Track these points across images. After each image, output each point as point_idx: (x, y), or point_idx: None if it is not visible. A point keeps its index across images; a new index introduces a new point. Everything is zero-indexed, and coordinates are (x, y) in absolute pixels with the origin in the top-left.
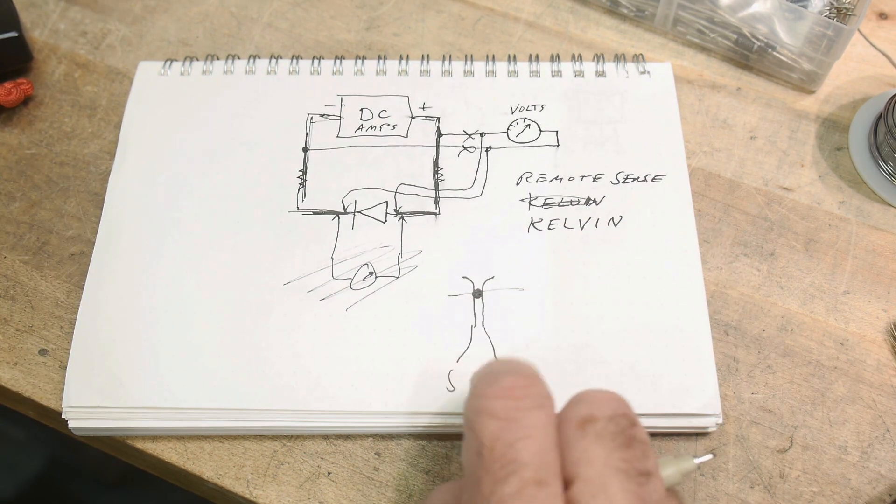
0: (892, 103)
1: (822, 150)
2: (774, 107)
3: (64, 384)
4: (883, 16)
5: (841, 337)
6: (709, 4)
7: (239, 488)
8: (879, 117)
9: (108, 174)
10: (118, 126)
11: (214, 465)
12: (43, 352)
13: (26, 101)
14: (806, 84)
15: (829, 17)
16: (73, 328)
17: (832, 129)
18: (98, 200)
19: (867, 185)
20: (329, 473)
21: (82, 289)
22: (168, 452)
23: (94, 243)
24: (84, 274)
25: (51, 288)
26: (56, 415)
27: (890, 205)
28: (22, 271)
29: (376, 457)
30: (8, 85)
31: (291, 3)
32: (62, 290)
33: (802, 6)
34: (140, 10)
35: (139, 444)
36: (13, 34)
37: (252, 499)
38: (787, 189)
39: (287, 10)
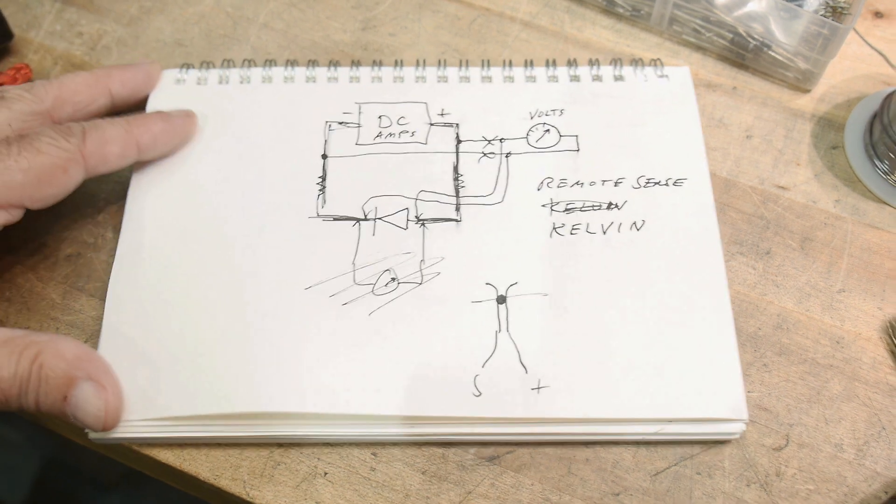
0: (888, 102)
1: (818, 148)
2: (770, 106)
3: None
4: (878, 14)
5: (836, 335)
6: (704, 4)
7: (235, 489)
8: (875, 116)
9: (104, 175)
10: None
11: (211, 465)
12: None
13: None
14: (801, 83)
15: (825, 16)
16: (69, 330)
17: (828, 127)
18: (94, 202)
19: (863, 184)
20: (326, 474)
21: (79, 290)
22: (164, 454)
23: (90, 244)
24: (80, 275)
25: (47, 289)
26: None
27: (885, 203)
28: (18, 273)
29: (373, 457)
30: (10, 71)
31: (287, 3)
32: (58, 292)
33: (798, 5)
34: (136, 10)
35: (136, 446)
36: None
37: (249, 499)
38: (782, 188)
39: (283, 11)
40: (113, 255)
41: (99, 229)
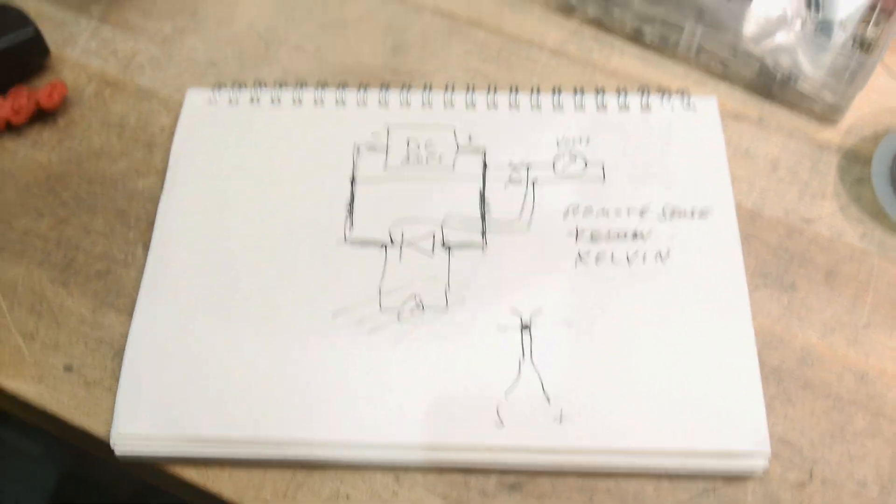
0: None
1: (844, 181)
2: (796, 137)
3: (89, 403)
4: None
5: (861, 370)
6: (732, 35)
7: None
8: None
9: (135, 192)
10: (147, 144)
11: (234, 485)
12: (68, 368)
13: (55, 116)
14: (828, 115)
15: (853, 49)
16: (97, 345)
17: (854, 160)
18: (125, 219)
19: (889, 218)
20: (348, 496)
21: (108, 306)
22: (188, 472)
23: (120, 260)
24: (110, 291)
25: (76, 304)
26: (77, 431)
27: None
28: (48, 287)
29: (395, 481)
30: (46, 88)
31: (319, 26)
32: (87, 307)
33: (825, 38)
34: (170, 30)
35: (160, 463)
36: (30, 31)
37: None
38: (808, 220)
39: (314, 34)
40: (142, 273)
41: (129, 246)
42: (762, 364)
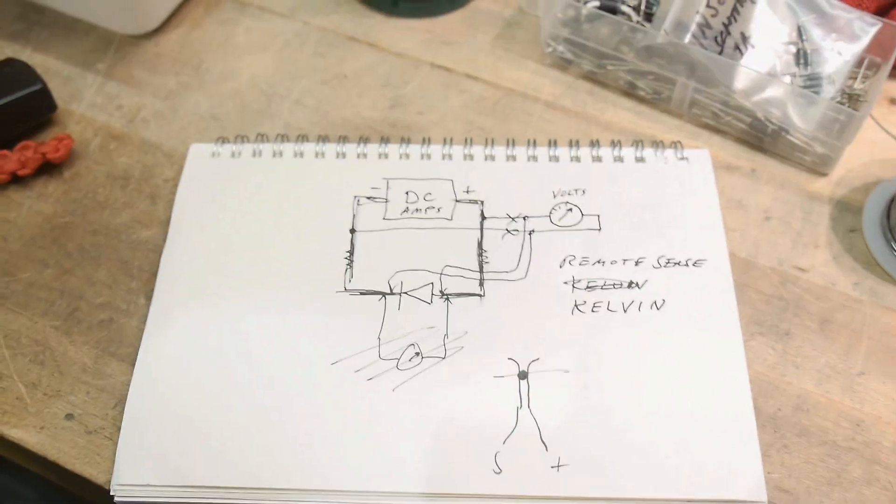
0: None
1: (836, 231)
2: (788, 188)
3: (90, 451)
4: (894, 101)
5: (857, 418)
6: (724, 89)
7: None
8: (892, 200)
9: (139, 243)
10: (150, 196)
11: None
12: (69, 416)
13: (61, 168)
14: (819, 167)
15: (841, 103)
16: (99, 394)
17: (845, 210)
18: (128, 269)
19: (881, 267)
20: None
21: (110, 355)
22: None
23: (123, 310)
24: (112, 340)
25: (79, 353)
26: (78, 479)
27: None
28: (52, 336)
29: None
30: (53, 142)
31: (319, 81)
32: (90, 356)
33: (814, 92)
34: (174, 85)
35: None
36: (38, 86)
37: None
38: (801, 269)
39: (315, 89)
40: (144, 322)
41: (132, 296)
42: (758, 412)
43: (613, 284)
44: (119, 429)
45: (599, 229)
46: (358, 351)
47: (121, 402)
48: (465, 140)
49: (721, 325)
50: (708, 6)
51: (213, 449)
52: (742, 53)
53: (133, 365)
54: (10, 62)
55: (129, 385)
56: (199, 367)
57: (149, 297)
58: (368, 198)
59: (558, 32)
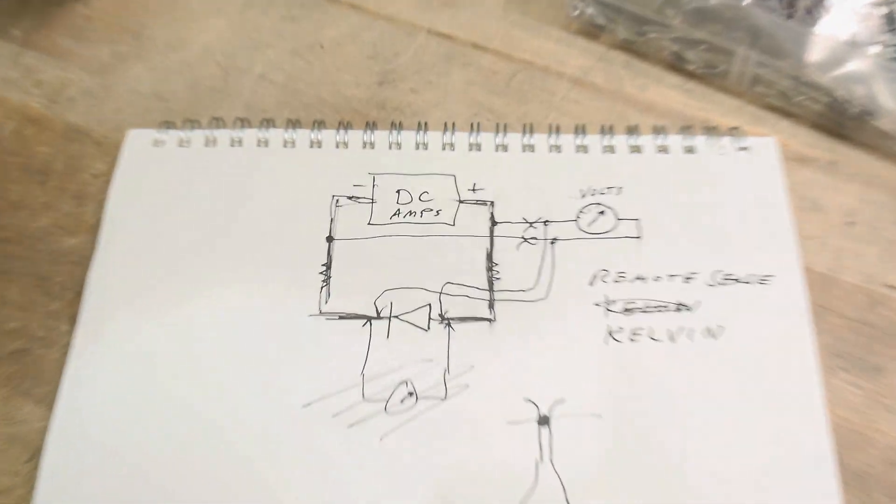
0: None
1: None
2: (876, 186)
3: None
4: None
5: None
6: (794, 62)
7: None
8: None
9: (60, 254)
10: (76, 196)
11: None
12: None
13: None
14: None
15: None
16: (8, 446)
17: None
18: (47, 287)
19: None
20: None
21: (23, 395)
22: None
23: (40, 338)
24: (25, 376)
25: None
26: None
27: None
28: None
29: None
30: None
31: (289, 52)
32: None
33: None
34: (108, 56)
35: None
36: None
37: None
38: (894, 287)
39: (284, 61)
40: (67, 354)
41: (52, 321)
42: (842, 467)
43: (658, 307)
44: (34, 489)
45: (639, 237)
46: (336, 390)
47: (36, 455)
48: (471, 125)
49: (793, 357)
50: None
51: None
52: (817, 18)
53: (52, 408)
54: None
55: (46, 433)
56: (135, 411)
57: (73, 322)
58: (350, 198)
59: None
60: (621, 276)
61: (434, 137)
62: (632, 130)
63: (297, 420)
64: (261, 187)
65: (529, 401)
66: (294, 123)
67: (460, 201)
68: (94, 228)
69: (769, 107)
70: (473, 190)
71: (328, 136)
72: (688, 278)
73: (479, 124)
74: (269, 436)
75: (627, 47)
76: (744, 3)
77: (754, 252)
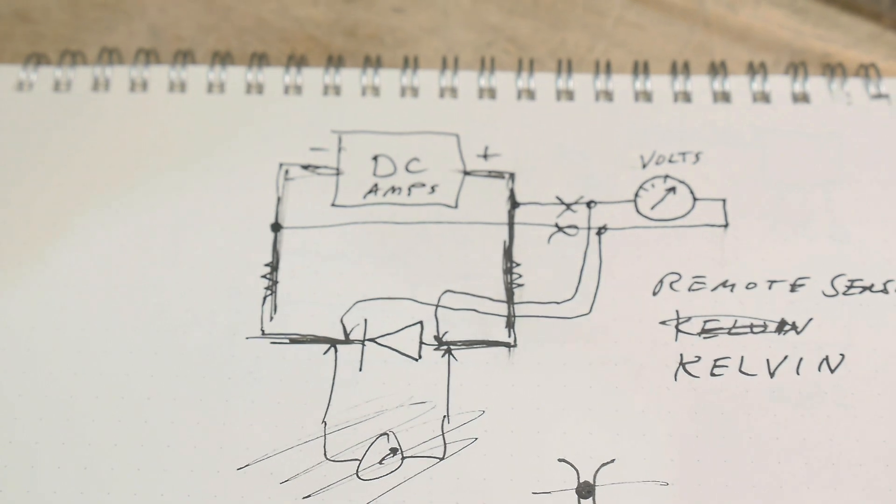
0: None
1: None
2: None
3: None
4: None
5: None
6: None
7: None
8: None
9: None
10: None
11: None
12: None
13: None
14: None
15: None
16: None
17: None
18: None
19: None
20: None
21: None
22: None
23: None
24: None
25: None
26: None
27: None
28: None
29: None
30: None
31: None
32: None
33: None
34: None
35: None
36: None
37: None
38: None
39: None
40: None
41: None
42: None
43: (751, 326)
44: None
45: (725, 225)
46: (285, 446)
47: None
48: (482, 62)
49: None
50: None
51: None
52: None
53: None
54: None
55: None
56: (15, 471)
57: None
58: (305, 167)
59: None
60: (700, 282)
61: (428, 79)
62: (716, 69)
63: (230, 489)
64: (175, 152)
65: (565, 461)
66: (222, 58)
67: (465, 173)
68: None
69: None
70: (485, 156)
71: (273, 76)
72: (795, 285)
73: (493, 60)
74: None
75: None
76: None
77: (892, 249)
